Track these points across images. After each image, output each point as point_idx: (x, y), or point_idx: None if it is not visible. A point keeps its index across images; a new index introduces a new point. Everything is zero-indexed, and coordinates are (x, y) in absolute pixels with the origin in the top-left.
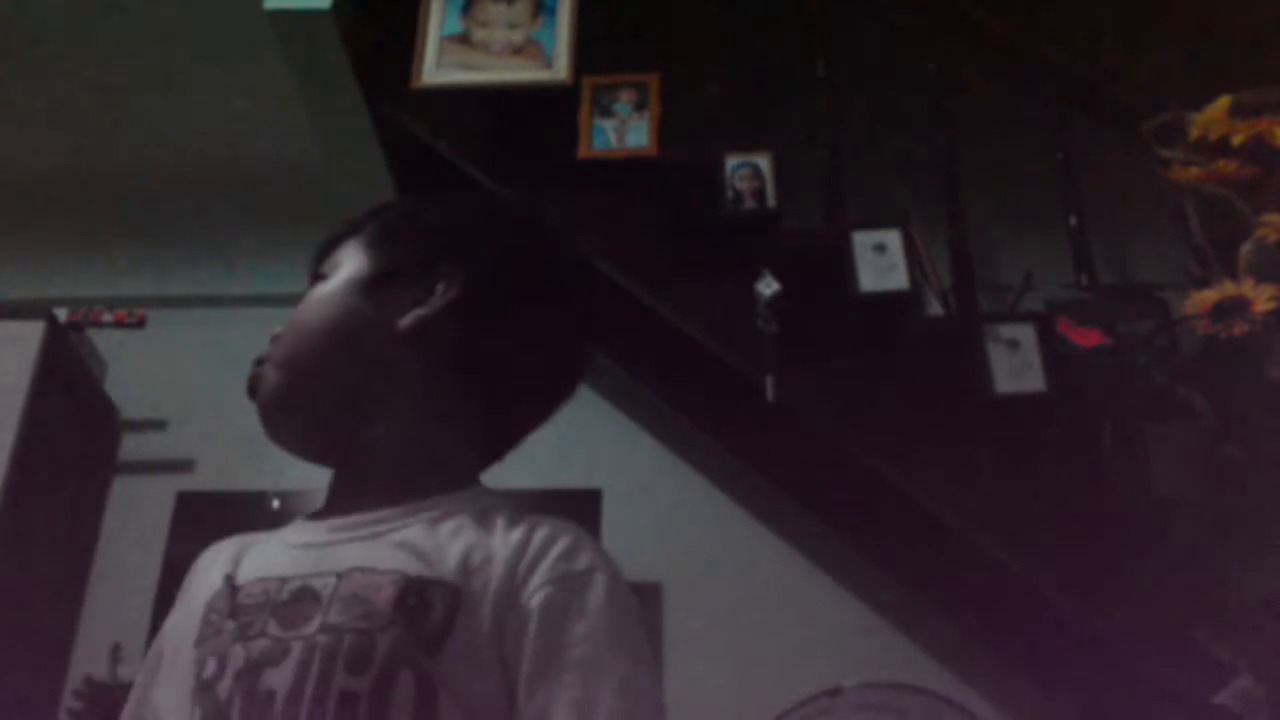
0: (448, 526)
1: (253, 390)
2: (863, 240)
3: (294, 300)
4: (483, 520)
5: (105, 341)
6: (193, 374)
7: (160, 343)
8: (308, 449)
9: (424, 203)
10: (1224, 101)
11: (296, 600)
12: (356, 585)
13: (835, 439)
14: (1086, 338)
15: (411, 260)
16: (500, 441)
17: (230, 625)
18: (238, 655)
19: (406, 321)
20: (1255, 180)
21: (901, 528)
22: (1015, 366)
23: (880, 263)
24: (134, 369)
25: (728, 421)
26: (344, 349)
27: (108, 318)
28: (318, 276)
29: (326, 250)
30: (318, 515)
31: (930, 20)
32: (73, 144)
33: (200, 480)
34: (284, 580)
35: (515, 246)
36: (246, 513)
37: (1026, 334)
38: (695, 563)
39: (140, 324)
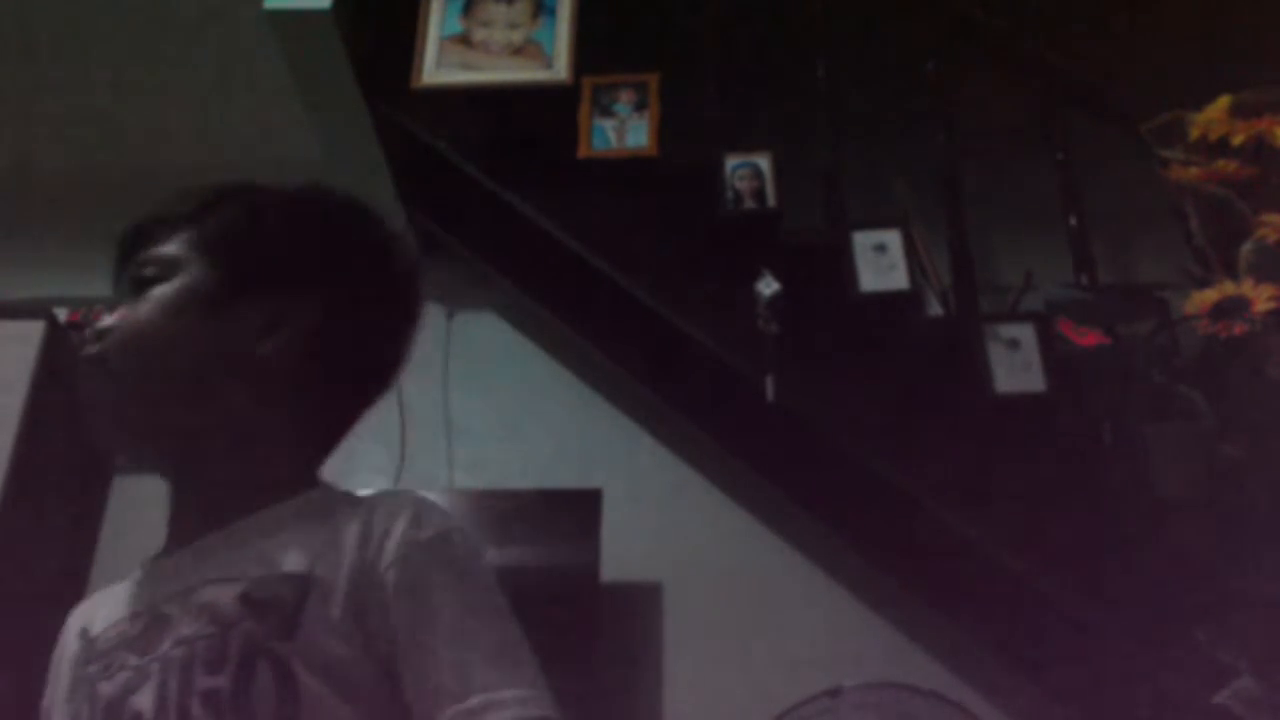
0: (290, 529)
1: (80, 387)
2: (863, 240)
3: None
4: (326, 514)
5: None
6: None
7: None
8: (140, 457)
9: (257, 203)
10: (1224, 101)
11: (148, 629)
12: (204, 598)
13: (835, 439)
14: (1086, 338)
15: (258, 280)
16: (337, 437)
17: (91, 670)
18: (102, 692)
19: (263, 350)
20: (1255, 180)
21: (901, 527)
22: (1015, 366)
23: (880, 263)
24: None
25: (728, 421)
26: (189, 373)
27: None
28: (142, 267)
29: (147, 236)
30: (163, 551)
31: (930, 20)
32: (73, 144)
33: None
34: (135, 614)
35: (359, 254)
36: None
37: (1026, 334)
38: (695, 563)
39: None
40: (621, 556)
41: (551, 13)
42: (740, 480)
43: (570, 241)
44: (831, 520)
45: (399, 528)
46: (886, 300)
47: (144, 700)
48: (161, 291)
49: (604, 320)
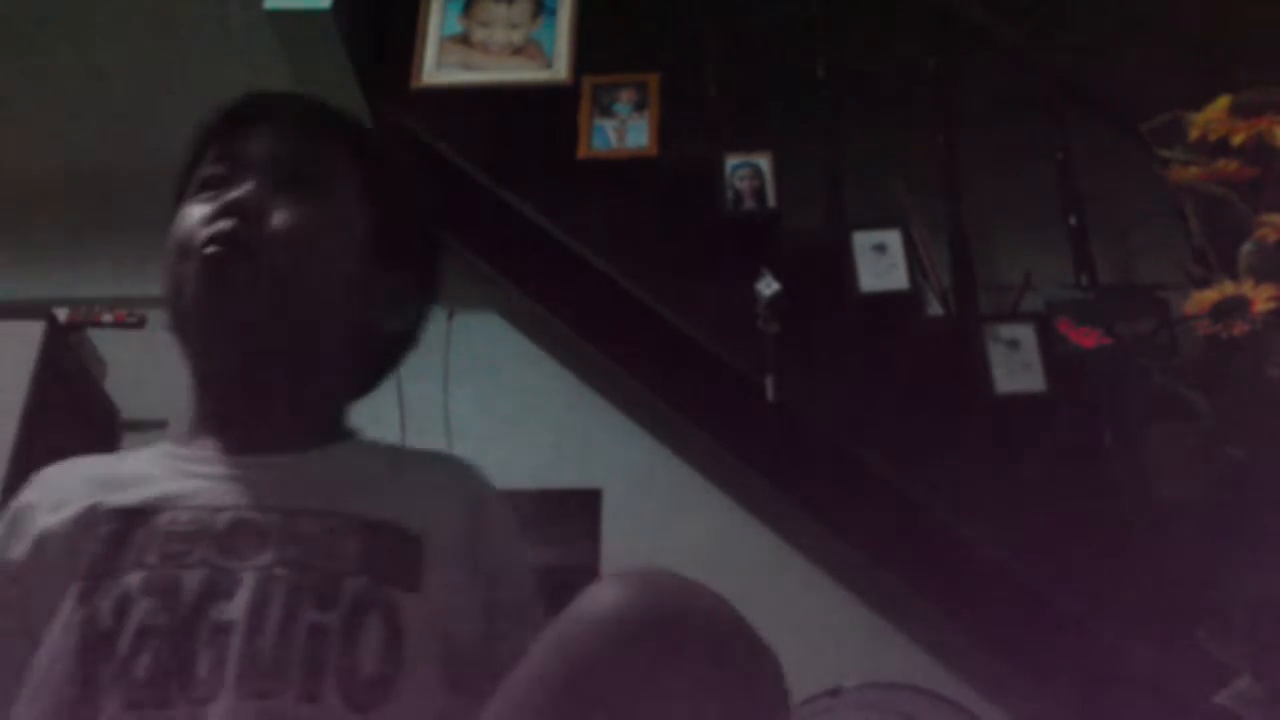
0: (380, 472)
1: (215, 264)
2: (863, 240)
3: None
4: (399, 458)
5: (105, 341)
6: None
7: (160, 343)
8: (238, 361)
9: (410, 169)
10: (1224, 101)
11: (235, 531)
12: (313, 528)
13: (835, 439)
14: (1086, 338)
15: (399, 256)
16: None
17: (149, 553)
18: (183, 582)
19: (382, 324)
20: (1255, 180)
21: (901, 527)
22: (1015, 366)
23: (880, 263)
24: (134, 369)
25: (728, 421)
26: (334, 306)
27: (108, 318)
28: (306, 162)
29: (317, 123)
30: (218, 444)
31: (930, 20)
32: (72, 144)
33: None
34: (216, 510)
35: (441, 258)
36: None
37: (1026, 334)
38: (695, 563)
39: (140, 324)
40: (621, 556)
41: (551, 13)
42: (740, 480)
43: (570, 241)
44: (832, 520)
45: (492, 502)
46: (886, 300)
47: (234, 608)
48: (325, 208)
49: (604, 320)
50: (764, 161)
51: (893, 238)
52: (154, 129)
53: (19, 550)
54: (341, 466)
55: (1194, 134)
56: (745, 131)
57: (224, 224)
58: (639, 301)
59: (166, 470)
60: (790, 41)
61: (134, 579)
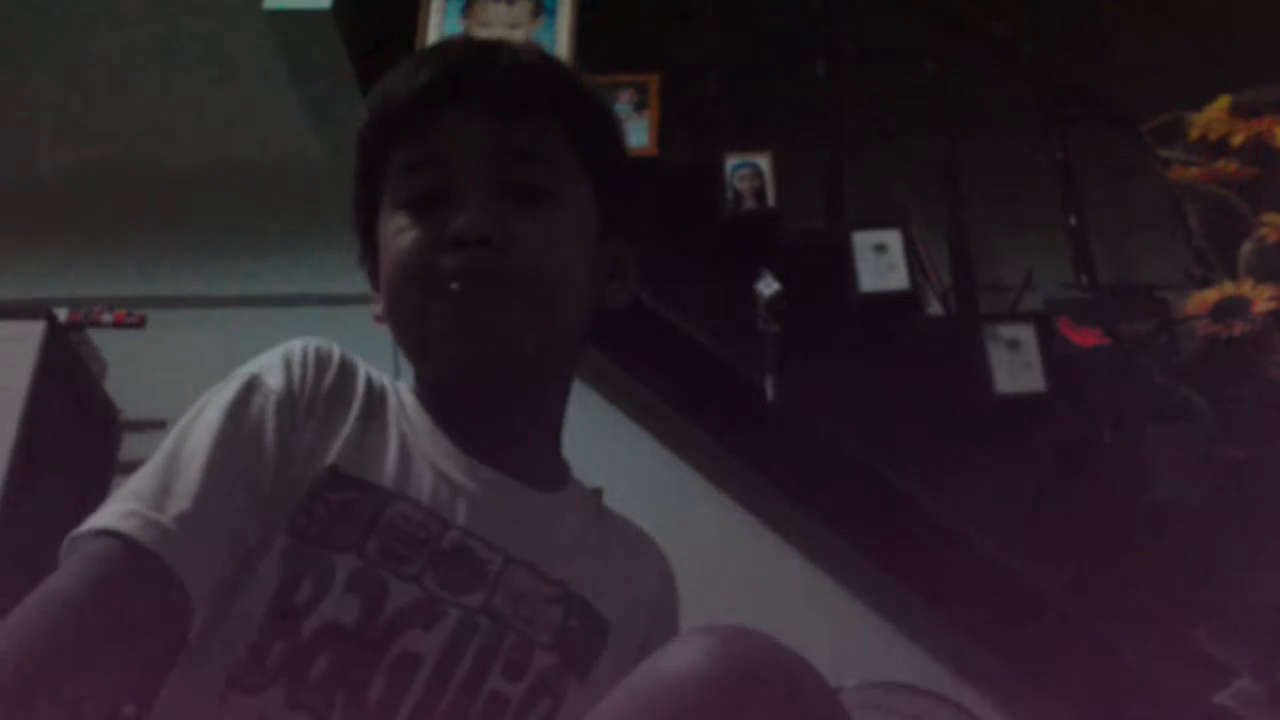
0: (590, 538)
1: (470, 301)
2: (863, 240)
3: (294, 301)
4: (607, 531)
5: (105, 341)
6: (193, 374)
7: (160, 343)
8: (487, 385)
9: (619, 126)
10: (1224, 101)
11: (457, 558)
12: (525, 584)
13: (835, 439)
14: (1086, 338)
15: (619, 219)
16: None
17: (370, 540)
18: (391, 588)
19: (611, 299)
20: (1255, 180)
21: (901, 527)
22: (1015, 366)
23: (880, 263)
24: (134, 369)
25: (728, 421)
26: (581, 306)
27: (108, 318)
28: (529, 165)
29: (528, 102)
30: (453, 435)
31: (930, 20)
32: (73, 144)
33: None
34: (445, 524)
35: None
36: None
37: (1026, 334)
38: (695, 563)
39: (140, 324)
40: None
41: (551, 13)
42: (740, 480)
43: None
44: (831, 520)
45: (672, 599)
46: (886, 300)
47: (429, 646)
48: (563, 216)
49: (604, 320)
50: (764, 161)
51: (893, 238)
52: (155, 130)
53: (341, 404)
54: (564, 521)
55: (1194, 134)
56: (745, 131)
57: (467, 254)
58: (639, 301)
59: (410, 443)
60: (790, 41)
61: (345, 562)
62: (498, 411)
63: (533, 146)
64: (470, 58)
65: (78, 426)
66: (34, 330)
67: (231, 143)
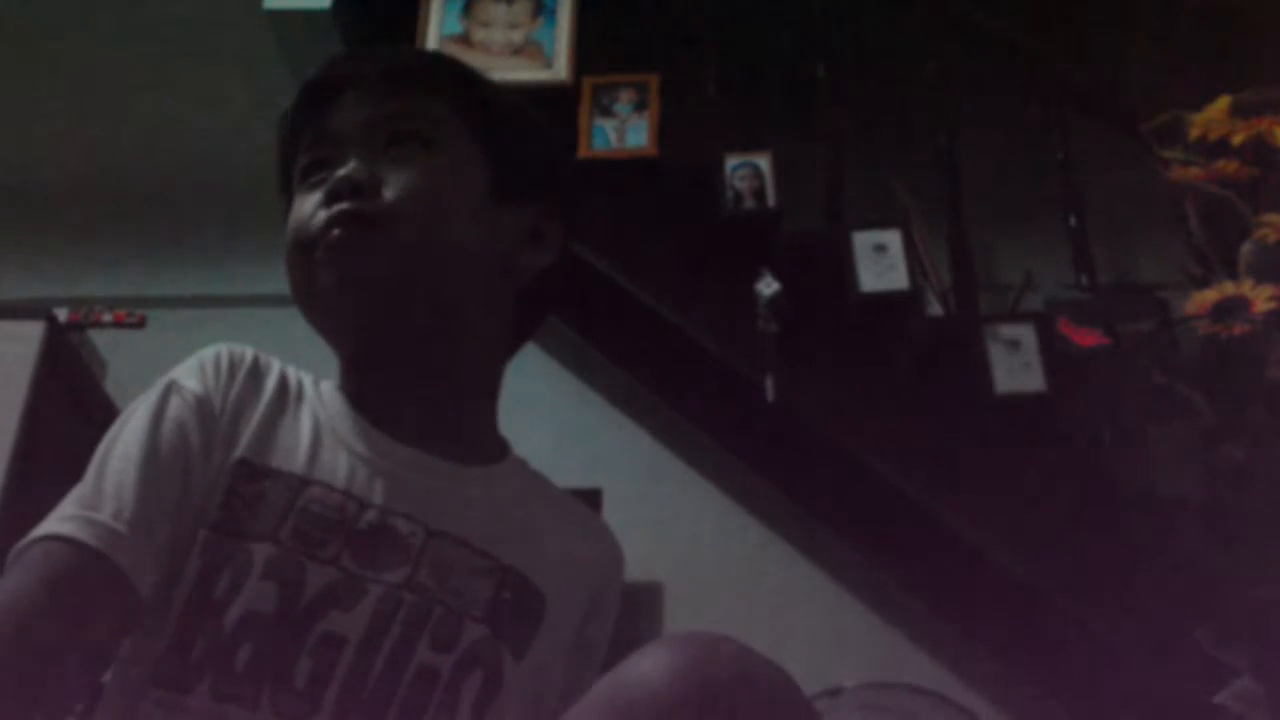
0: (521, 509)
1: (342, 246)
2: (863, 240)
3: (293, 301)
4: (546, 505)
5: (105, 341)
6: None
7: (160, 343)
8: (386, 340)
9: (519, 100)
10: (1224, 101)
11: (376, 536)
12: (451, 557)
13: (835, 439)
14: (1086, 338)
15: (529, 190)
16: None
17: (284, 527)
18: (308, 577)
19: (524, 263)
20: (1255, 180)
21: (901, 528)
22: (1015, 366)
23: (880, 263)
24: (134, 369)
25: (728, 421)
26: (469, 259)
27: (108, 318)
28: (407, 120)
29: (397, 78)
30: (371, 418)
31: (930, 20)
32: (73, 144)
33: None
34: (362, 505)
35: (573, 183)
36: None
37: (1026, 334)
38: (695, 563)
39: (140, 324)
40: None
41: (551, 13)
42: (740, 480)
43: (569, 241)
44: (831, 520)
45: (620, 575)
46: (886, 300)
47: (352, 625)
48: (437, 162)
49: (604, 320)
50: (764, 161)
51: (893, 238)
52: (154, 130)
53: (252, 401)
54: (495, 495)
55: (1194, 134)
56: (745, 131)
57: (340, 205)
58: (639, 301)
59: (325, 431)
60: (790, 41)
61: (261, 550)
62: (406, 379)
63: (411, 110)
64: (355, 54)
65: (78, 426)
66: (34, 330)
67: (230, 143)
